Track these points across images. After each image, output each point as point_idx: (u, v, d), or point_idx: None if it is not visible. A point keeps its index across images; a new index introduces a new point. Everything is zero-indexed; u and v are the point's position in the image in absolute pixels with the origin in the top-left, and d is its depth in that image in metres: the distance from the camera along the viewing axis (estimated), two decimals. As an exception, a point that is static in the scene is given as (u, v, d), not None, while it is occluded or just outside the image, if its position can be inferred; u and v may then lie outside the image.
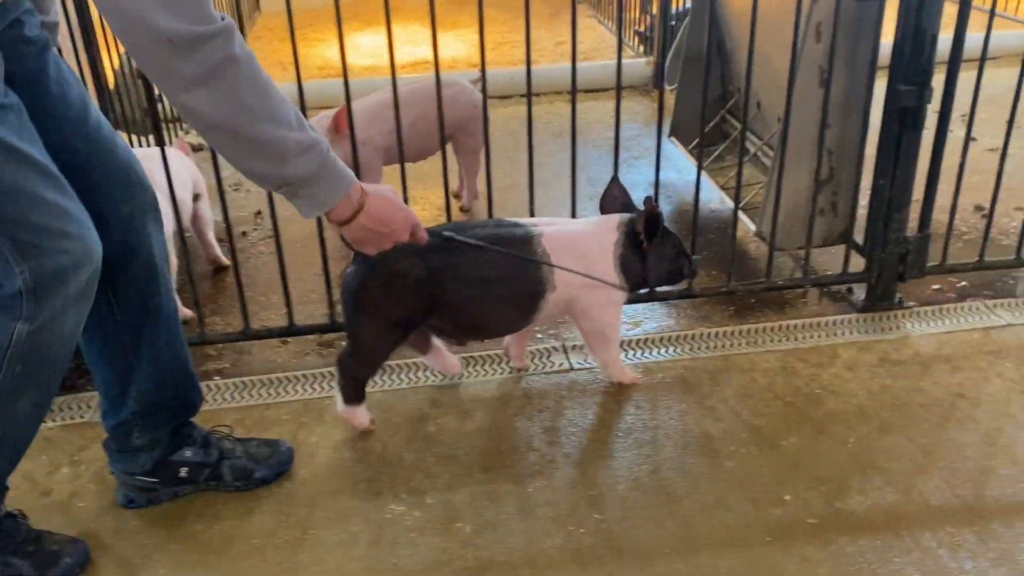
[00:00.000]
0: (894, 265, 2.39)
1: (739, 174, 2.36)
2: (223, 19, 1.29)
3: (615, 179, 2.09)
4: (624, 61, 4.61)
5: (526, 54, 2.09)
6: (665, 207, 3.20)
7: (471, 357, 2.30)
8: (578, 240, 1.97)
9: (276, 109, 1.35)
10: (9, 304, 1.39)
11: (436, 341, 2.11)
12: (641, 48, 4.87)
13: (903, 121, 2.22)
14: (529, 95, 2.14)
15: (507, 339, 2.22)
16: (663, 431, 2.00)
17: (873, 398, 2.08)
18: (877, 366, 2.20)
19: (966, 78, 2.25)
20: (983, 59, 2.27)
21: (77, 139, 1.51)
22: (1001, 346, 2.26)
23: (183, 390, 1.80)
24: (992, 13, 2.27)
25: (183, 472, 1.83)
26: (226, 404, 2.15)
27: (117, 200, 1.57)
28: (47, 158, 1.40)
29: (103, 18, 1.25)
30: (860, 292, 2.51)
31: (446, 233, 1.86)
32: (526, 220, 1.99)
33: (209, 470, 1.85)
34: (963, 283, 2.59)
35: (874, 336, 2.33)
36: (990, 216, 2.45)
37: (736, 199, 2.38)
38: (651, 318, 2.47)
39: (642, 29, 4.89)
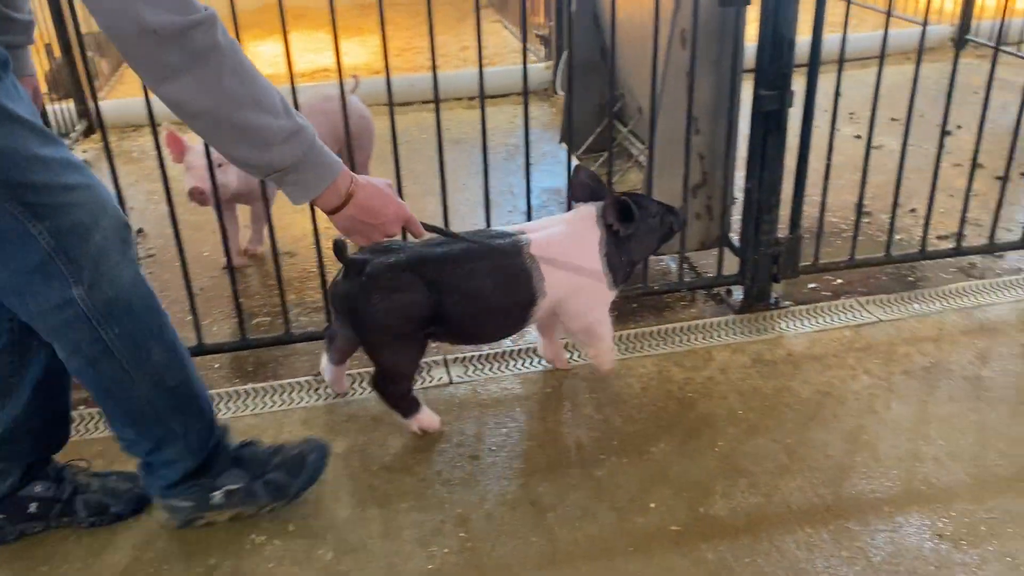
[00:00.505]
0: (767, 266, 2.42)
1: (609, 180, 2.37)
2: (206, 9, 1.30)
3: (579, 166, 2.09)
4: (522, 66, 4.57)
5: (378, 61, 2.06)
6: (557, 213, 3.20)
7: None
8: (565, 246, 1.97)
9: (260, 96, 1.36)
10: (50, 272, 1.43)
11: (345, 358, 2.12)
12: (543, 52, 4.88)
13: (767, 125, 2.25)
14: (391, 103, 2.10)
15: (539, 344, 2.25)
16: (537, 442, 2.00)
17: (743, 400, 2.11)
18: (750, 367, 2.23)
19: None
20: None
21: None
22: (870, 343, 2.32)
23: (55, 425, 1.75)
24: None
25: (32, 508, 1.75)
26: (89, 435, 2.07)
27: None
28: (36, 117, 1.42)
29: (88, 10, 1.26)
30: (740, 293, 2.54)
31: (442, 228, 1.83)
32: (511, 228, 2.00)
33: (61, 505, 1.77)
34: (839, 281, 2.65)
35: (749, 337, 2.37)
36: (858, 214, 2.50)
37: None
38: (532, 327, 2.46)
39: (545, 32, 4.90)
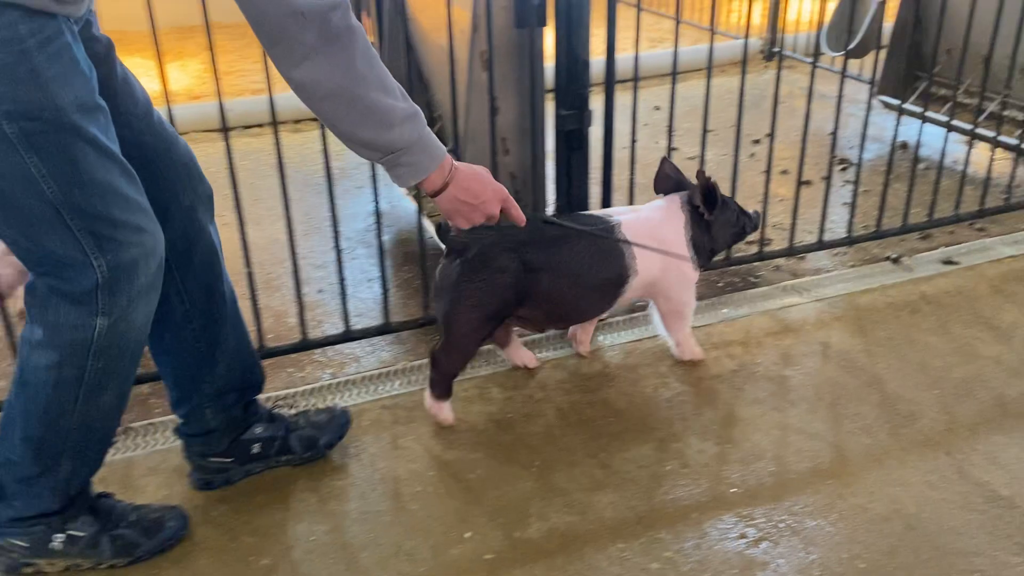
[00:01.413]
0: (583, 281, 2.45)
1: (419, 203, 2.34)
2: None
3: (665, 159, 2.25)
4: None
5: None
6: (382, 237, 3.15)
7: (150, 424, 2.12)
8: (653, 227, 2.13)
9: (383, 78, 1.45)
10: (86, 299, 1.46)
11: (515, 336, 2.27)
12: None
13: (569, 144, 2.28)
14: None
15: (572, 328, 2.35)
16: (350, 481, 1.93)
17: (561, 416, 2.12)
18: (567, 382, 2.25)
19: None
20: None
21: (146, 135, 1.60)
22: (682, 350, 2.38)
23: (248, 369, 1.88)
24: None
25: (255, 448, 1.91)
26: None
27: (179, 192, 1.66)
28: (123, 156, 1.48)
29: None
30: (560, 309, 2.56)
31: (543, 216, 1.99)
32: (600, 212, 2.15)
33: (279, 443, 1.93)
34: (655, 290, 2.71)
35: (568, 351, 2.38)
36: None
37: (418, 224, 2.35)
38: (352, 358, 2.39)
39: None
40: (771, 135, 2.61)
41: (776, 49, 4.98)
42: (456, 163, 1.61)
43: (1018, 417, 2.06)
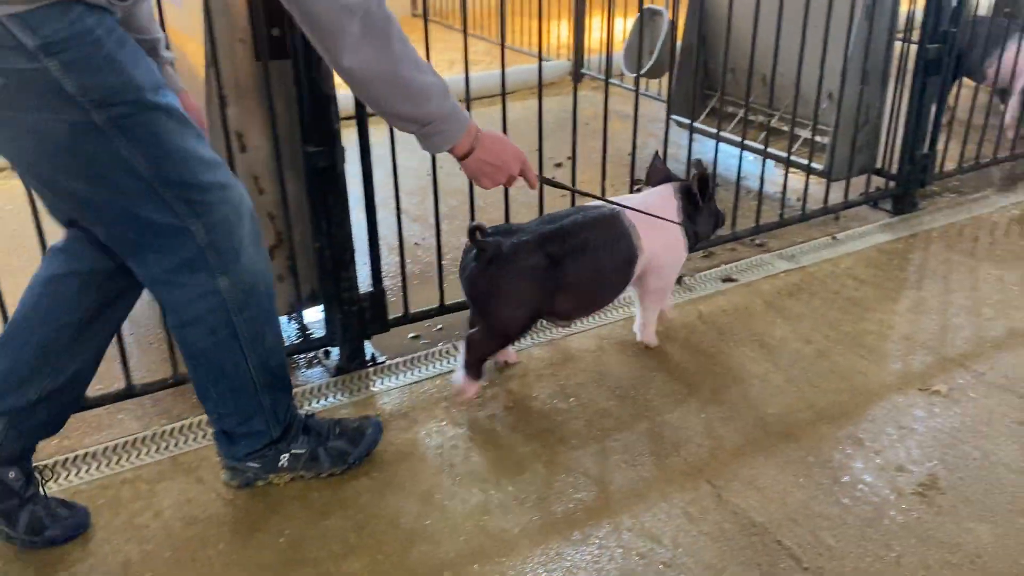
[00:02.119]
0: (354, 324, 2.33)
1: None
2: None
3: (656, 154, 2.44)
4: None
5: None
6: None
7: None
8: (652, 210, 2.24)
9: (416, 58, 1.58)
10: (199, 264, 1.58)
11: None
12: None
13: (323, 182, 2.16)
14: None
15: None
16: (72, 570, 1.72)
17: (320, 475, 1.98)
18: (334, 436, 2.11)
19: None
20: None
21: None
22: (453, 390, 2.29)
23: (65, 411, 1.78)
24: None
25: None
26: None
27: None
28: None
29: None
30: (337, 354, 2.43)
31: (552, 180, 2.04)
32: (604, 201, 2.26)
33: (16, 503, 1.73)
34: (440, 327, 2.62)
35: (342, 400, 2.25)
36: (439, 258, 2.49)
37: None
38: (94, 426, 2.17)
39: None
40: (554, 154, 2.57)
41: (583, 70, 5.05)
42: (480, 129, 1.74)
43: (777, 436, 2.08)
